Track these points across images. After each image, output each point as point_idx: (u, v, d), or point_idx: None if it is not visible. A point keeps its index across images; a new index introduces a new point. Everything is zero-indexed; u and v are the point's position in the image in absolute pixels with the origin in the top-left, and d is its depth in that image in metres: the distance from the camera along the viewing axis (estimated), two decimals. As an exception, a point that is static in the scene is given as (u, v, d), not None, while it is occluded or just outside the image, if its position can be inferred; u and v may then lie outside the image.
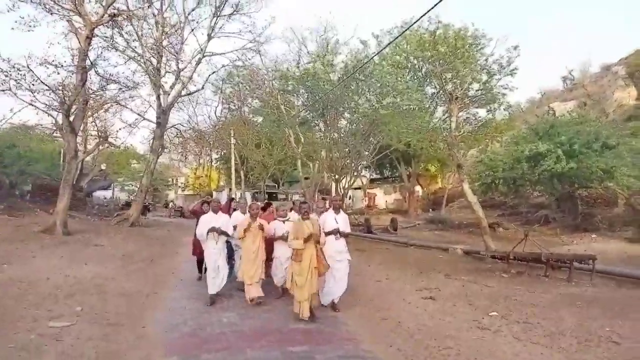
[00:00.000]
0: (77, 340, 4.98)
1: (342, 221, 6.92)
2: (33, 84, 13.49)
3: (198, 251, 8.64)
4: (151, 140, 23.80)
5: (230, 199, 10.03)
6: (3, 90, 14.16)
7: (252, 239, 7.03)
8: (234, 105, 31.57)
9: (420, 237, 19.31)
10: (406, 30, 13.97)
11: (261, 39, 21.33)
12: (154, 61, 20.33)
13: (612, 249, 13.23)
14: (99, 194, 40.16)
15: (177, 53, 20.87)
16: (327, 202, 7.97)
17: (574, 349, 5.08)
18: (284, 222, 7.48)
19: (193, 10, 20.72)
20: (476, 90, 23.35)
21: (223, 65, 23.09)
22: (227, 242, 7.62)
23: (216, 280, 7.06)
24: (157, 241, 16.43)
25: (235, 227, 7.43)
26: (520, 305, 7.23)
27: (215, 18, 20.67)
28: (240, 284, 7.50)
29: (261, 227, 7.14)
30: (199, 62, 21.16)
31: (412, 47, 17.88)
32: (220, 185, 43.69)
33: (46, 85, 13.87)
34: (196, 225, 7.90)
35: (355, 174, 24.62)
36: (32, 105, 14.65)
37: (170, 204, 41.68)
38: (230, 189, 33.76)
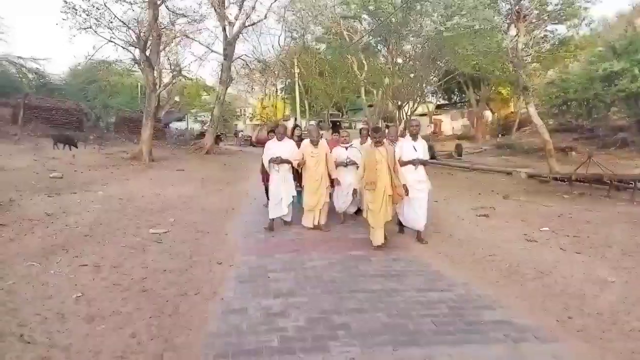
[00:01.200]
0: (174, 243, 6.05)
1: (420, 148, 6.42)
2: (111, 22, 14.48)
3: (267, 178, 8.49)
4: (219, 72, 24.75)
5: (295, 126, 9.75)
6: (85, 29, 15.39)
7: (314, 166, 6.90)
8: (297, 33, 31.50)
9: (485, 162, 19.21)
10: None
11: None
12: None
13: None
14: (175, 125, 42.64)
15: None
16: (390, 130, 7.56)
17: (616, 259, 5.39)
18: (346, 148, 7.36)
19: None
20: (555, 5, 21.63)
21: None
22: (294, 169, 7.22)
23: (278, 206, 6.88)
24: (229, 167, 17.80)
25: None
26: (574, 222, 7.48)
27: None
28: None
29: (324, 152, 6.99)
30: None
31: None
32: (285, 114, 44.67)
33: (122, 22, 14.84)
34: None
35: (419, 100, 24.28)
36: (112, 41, 15.78)
37: (240, 134, 43.45)
38: (296, 118, 34.56)
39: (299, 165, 7.08)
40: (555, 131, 21.79)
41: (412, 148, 6.36)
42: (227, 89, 24.07)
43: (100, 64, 29.17)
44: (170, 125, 40.64)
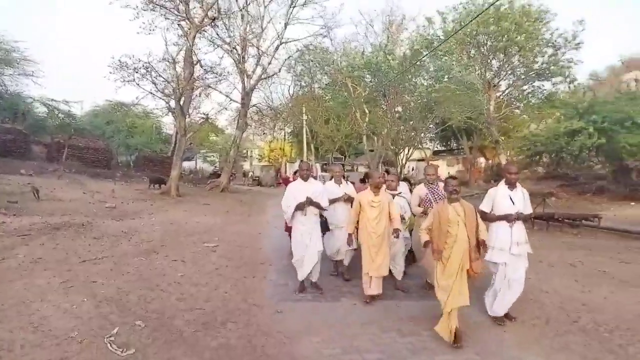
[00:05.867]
0: (224, 251, 8.35)
1: (519, 200, 4.87)
2: (156, 78, 17.32)
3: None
4: (236, 118, 27.62)
5: (297, 171, 7.97)
6: (129, 81, 18.21)
7: (375, 219, 5.42)
8: (304, 82, 34.65)
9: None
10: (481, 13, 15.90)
11: (331, 24, 24.14)
12: (239, 49, 23.78)
13: (637, 214, 14.92)
14: (185, 164, 45.38)
15: (257, 41, 24.20)
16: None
17: (541, 269, 7.62)
18: (393, 197, 6.07)
19: (271, 1, 23.85)
20: (541, 64, 24.75)
21: (298, 49, 26.07)
22: (321, 216, 6.20)
23: (305, 263, 5.76)
24: (246, 203, 20.21)
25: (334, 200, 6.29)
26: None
27: (291, 8, 23.66)
28: (332, 265, 6.82)
29: (387, 201, 5.62)
30: (277, 48, 24.38)
31: (475, 23, 19.53)
32: (292, 157, 47.55)
33: (164, 78, 17.70)
34: None
35: (416, 146, 26.96)
36: (152, 93, 18.56)
37: (250, 174, 46.11)
38: (302, 161, 37.25)
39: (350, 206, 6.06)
40: (544, 178, 24.27)
41: (507, 198, 4.87)
42: (243, 133, 26.81)
43: (118, 106, 32.20)
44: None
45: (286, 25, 24.09)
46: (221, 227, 11.74)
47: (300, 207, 5.64)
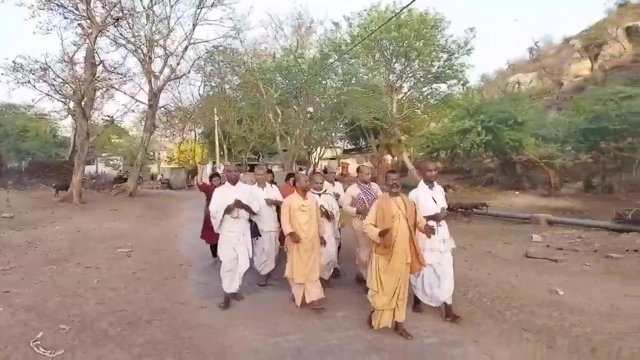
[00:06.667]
0: (140, 256, 8.29)
1: (440, 197, 4.97)
2: (54, 79, 16.26)
3: (207, 234, 7.17)
4: (143, 120, 26.57)
5: (213, 175, 7.85)
6: (23, 83, 16.90)
7: (306, 223, 5.21)
8: (215, 83, 34.15)
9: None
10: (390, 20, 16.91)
11: (240, 25, 24.11)
12: (144, 49, 22.94)
13: (520, 202, 17.03)
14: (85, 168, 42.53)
15: (164, 41, 23.51)
16: (362, 169, 6.24)
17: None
18: (319, 195, 5.84)
19: (177, 1, 23.30)
20: (437, 68, 26.81)
21: (207, 51, 25.72)
22: (251, 221, 5.81)
23: (234, 274, 5.39)
24: (157, 207, 19.58)
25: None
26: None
27: (199, 9, 23.30)
28: (260, 278, 6.30)
29: (320, 208, 5.55)
30: (185, 49, 23.85)
31: (380, 28, 20.74)
32: (203, 158, 46.55)
33: (62, 79, 16.64)
34: (207, 202, 6.94)
35: (327, 145, 27.95)
36: (49, 95, 17.38)
37: (159, 177, 44.43)
38: (214, 162, 36.74)
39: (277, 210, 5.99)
40: (442, 172, 26.41)
41: (430, 198, 4.87)
42: (151, 135, 25.88)
43: (7, 108, 29.39)
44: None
45: (194, 26, 23.66)
46: (133, 232, 11.46)
47: (229, 210, 5.25)
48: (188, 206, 20.37)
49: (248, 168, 32.75)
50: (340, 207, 6.25)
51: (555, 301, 5.30)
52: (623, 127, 14.41)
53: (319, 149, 26.15)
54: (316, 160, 25.38)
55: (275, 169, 33.12)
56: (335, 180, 6.98)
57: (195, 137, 45.66)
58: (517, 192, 19.86)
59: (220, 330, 4.51)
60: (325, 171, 6.71)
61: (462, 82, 26.72)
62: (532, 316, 4.71)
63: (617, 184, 16.30)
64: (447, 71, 25.93)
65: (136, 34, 21.75)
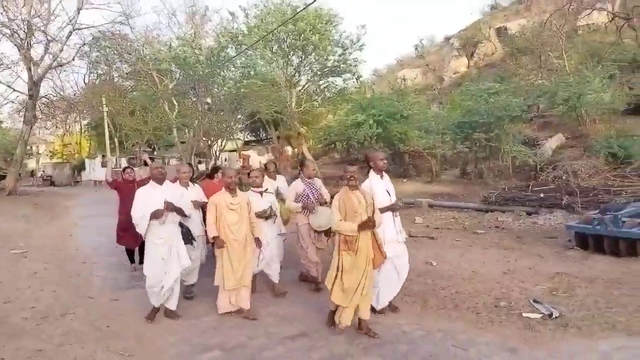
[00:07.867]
0: (37, 256, 8.01)
1: (391, 188, 4.78)
2: None
3: (127, 238, 6.38)
4: (20, 111, 24.26)
5: (125, 167, 7.22)
6: None
7: (236, 224, 4.70)
8: (102, 70, 32.04)
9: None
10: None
11: (130, 11, 23.05)
12: (21, 33, 20.94)
13: (407, 189, 18.76)
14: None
15: (45, 25, 21.64)
16: (308, 164, 6.13)
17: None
18: (261, 194, 5.31)
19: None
20: (333, 62, 27.93)
21: (93, 37, 24.18)
22: (182, 226, 4.92)
23: (164, 291, 4.60)
24: (43, 206, 18.26)
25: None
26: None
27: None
28: (187, 290, 5.40)
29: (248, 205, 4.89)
30: (69, 35, 22.19)
31: (276, 20, 21.20)
32: (91, 152, 43.43)
33: None
34: (120, 202, 6.50)
35: (228, 137, 27.82)
36: None
37: (40, 173, 40.64)
38: (104, 156, 34.60)
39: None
40: (340, 163, 27.74)
41: (384, 190, 4.64)
42: (31, 128, 23.78)
43: None
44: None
45: (79, 10, 22.10)
46: (23, 232, 10.83)
47: (157, 215, 4.40)
48: (77, 204, 19.34)
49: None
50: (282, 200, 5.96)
51: (430, 271, 6.35)
52: (490, 121, 16.56)
53: (219, 141, 26.00)
54: (217, 153, 25.20)
55: (173, 162, 32.18)
56: (278, 173, 6.87)
57: (82, 129, 42.39)
58: (404, 180, 21.74)
59: (136, 317, 4.73)
60: (265, 167, 6.45)
61: (356, 76, 28.25)
62: (411, 284, 5.56)
63: (486, 170, 18.67)
64: (342, 65, 27.19)
65: (12, 17, 19.81)
